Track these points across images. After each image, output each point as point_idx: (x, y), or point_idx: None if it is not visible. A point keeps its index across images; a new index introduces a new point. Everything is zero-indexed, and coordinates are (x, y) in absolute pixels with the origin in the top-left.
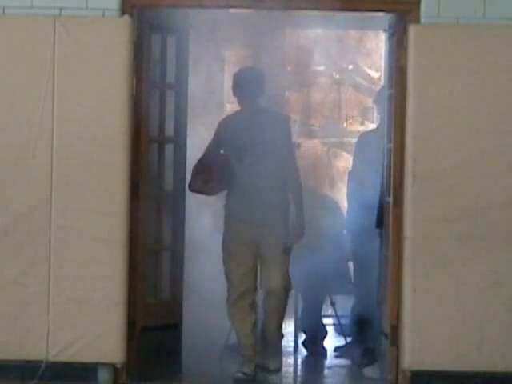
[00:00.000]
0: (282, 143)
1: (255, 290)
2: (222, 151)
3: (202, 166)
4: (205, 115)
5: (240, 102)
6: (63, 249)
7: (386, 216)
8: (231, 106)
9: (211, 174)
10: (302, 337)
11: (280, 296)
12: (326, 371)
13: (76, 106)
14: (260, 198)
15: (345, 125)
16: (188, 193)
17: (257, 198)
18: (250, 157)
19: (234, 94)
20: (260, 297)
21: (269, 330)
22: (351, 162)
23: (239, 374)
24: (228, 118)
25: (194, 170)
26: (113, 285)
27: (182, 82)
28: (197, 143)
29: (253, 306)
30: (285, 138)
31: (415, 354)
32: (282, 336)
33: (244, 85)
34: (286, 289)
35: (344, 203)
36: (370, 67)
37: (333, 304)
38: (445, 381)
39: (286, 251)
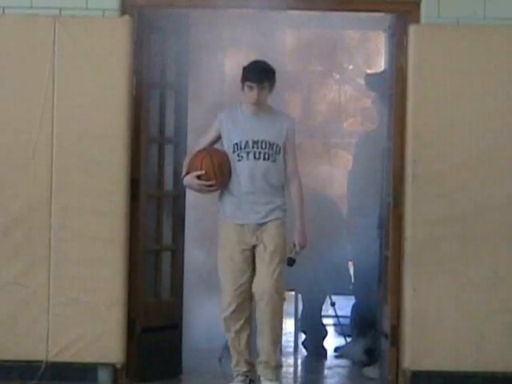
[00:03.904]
0: (285, 145)
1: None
2: (216, 146)
3: (198, 161)
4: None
5: (246, 97)
6: (63, 249)
7: (386, 216)
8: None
9: (208, 171)
10: (302, 337)
11: (273, 302)
12: (325, 371)
13: (76, 106)
14: (257, 201)
15: (345, 125)
16: (188, 193)
17: (253, 200)
18: (249, 156)
19: (242, 87)
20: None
21: (263, 349)
22: (351, 162)
23: None
24: (229, 111)
25: (188, 165)
26: (113, 285)
27: (181, 82)
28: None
29: (249, 318)
30: (289, 140)
31: (415, 354)
32: (280, 366)
33: (253, 78)
34: (279, 294)
35: (344, 203)
36: (370, 67)
37: (333, 304)
38: (445, 381)
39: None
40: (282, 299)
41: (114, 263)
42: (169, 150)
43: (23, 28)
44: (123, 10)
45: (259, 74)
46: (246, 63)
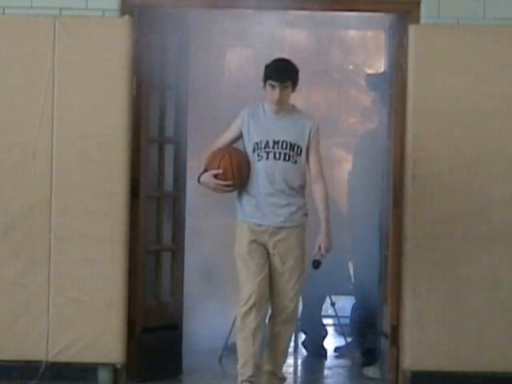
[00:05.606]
0: (308, 147)
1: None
2: (235, 145)
3: (217, 159)
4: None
5: (268, 96)
6: (63, 249)
7: (386, 216)
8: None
9: (226, 171)
10: (302, 337)
11: (290, 319)
12: (326, 371)
13: (76, 105)
14: (277, 203)
15: (345, 125)
16: (188, 193)
17: (273, 202)
18: (269, 156)
19: (264, 85)
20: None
21: (271, 359)
22: (351, 162)
23: None
24: (252, 109)
25: (206, 162)
26: (113, 285)
27: (181, 82)
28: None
29: (263, 320)
30: (312, 142)
31: (415, 354)
32: (284, 379)
33: (275, 77)
34: (296, 310)
35: (344, 203)
36: (370, 67)
37: (333, 304)
38: (445, 381)
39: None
40: (297, 314)
41: (113, 263)
42: (169, 150)
43: (23, 28)
44: (123, 10)
45: (282, 72)
46: (240, 63)
